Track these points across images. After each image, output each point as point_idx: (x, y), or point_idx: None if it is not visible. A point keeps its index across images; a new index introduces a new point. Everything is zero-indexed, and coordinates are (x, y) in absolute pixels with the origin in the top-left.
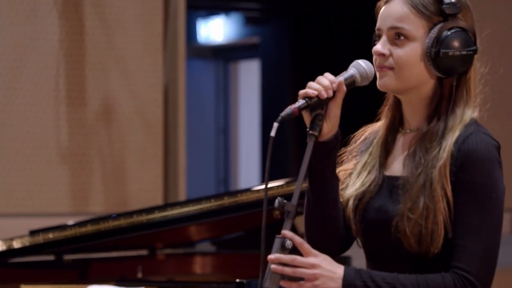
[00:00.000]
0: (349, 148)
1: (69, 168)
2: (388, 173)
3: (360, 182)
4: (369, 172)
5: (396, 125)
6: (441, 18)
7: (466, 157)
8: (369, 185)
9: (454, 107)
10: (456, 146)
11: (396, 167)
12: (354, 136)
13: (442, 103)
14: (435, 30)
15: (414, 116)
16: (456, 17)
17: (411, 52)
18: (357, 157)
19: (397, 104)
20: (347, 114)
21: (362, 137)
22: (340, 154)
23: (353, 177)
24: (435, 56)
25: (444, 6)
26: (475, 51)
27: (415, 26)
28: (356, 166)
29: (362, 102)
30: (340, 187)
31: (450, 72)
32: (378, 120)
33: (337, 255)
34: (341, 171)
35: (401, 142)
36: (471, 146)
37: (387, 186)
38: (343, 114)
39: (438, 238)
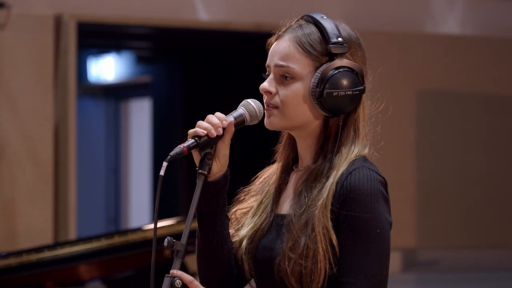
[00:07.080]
0: (248, 188)
1: None
2: (278, 211)
3: (254, 222)
4: (263, 212)
5: (290, 164)
6: (328, 58)
7: (349, 193)
8: (261, 224)
9: (340, 146)
10: (340, 183)
11: (286, 205)
12: (256, 176)
13: (329, 142)
14: (320, 70)
15: (306, 153)
16: (343, 57)
17: (297, 92)
18: (256, 197)
19: (292, 141)
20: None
21: (262, 178)
22: (238, 193)
23: (249, 217)
24: (320, 96)
25: (330, 45)
26: (361, 91)
27: (301, 65)
28: (253, 205)
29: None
30: (236, 227)
31: (335, 111)
32: (275, 159)
33: None
34: (238, 210)
35: (293, 180)
36: (353, 182)
37: (276, 224)
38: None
39: (317, 278)
